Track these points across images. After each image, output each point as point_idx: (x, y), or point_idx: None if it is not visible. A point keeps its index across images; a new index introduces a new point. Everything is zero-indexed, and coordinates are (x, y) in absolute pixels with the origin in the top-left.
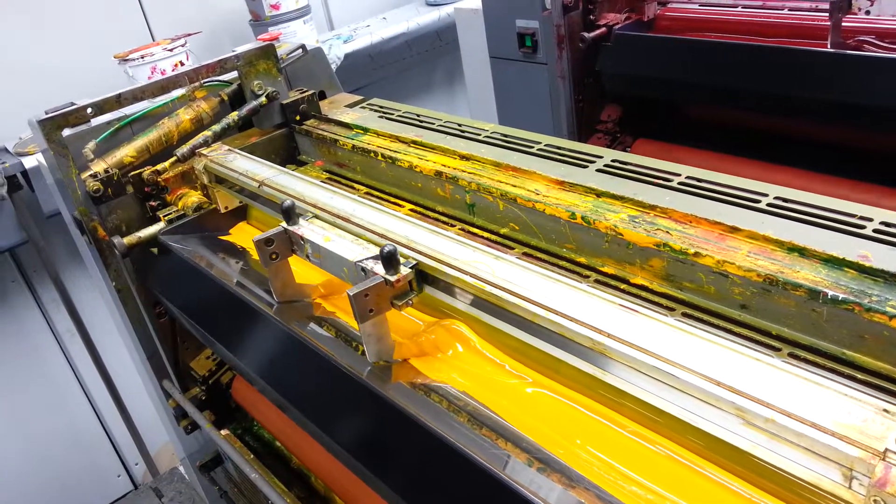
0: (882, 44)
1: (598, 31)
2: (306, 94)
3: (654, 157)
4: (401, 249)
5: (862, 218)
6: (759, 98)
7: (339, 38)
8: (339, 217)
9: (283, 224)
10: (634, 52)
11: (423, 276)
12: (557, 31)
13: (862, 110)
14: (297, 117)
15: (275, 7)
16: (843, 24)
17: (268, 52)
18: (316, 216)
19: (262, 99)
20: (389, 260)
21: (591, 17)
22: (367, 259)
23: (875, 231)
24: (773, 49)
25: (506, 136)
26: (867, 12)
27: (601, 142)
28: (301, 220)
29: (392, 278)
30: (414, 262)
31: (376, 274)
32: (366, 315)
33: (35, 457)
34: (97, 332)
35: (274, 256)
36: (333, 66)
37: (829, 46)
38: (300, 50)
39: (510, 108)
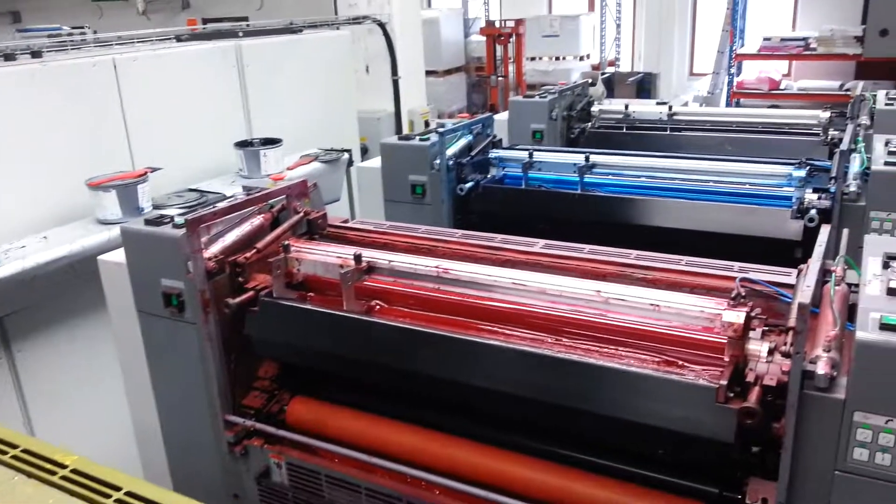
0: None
1: (244, 296)
2: None
3: (309, 416)
4: None
5: None
6: (382, 369)
7: None
8: None
9: None
10: (276, 318)
11: None
12: (202, 295)
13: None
14: None
15: None
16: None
17: None
18: None
19: None
20: None
21: (241, 279)
22: None
23: None
24: (385, 325)
25: (84, 473)
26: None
27: (257, 400)
28: None
29: None
30: None
31: None
32: None
33: None
34: None
35: None
36: None
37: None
38: None
39: (162, 364)
